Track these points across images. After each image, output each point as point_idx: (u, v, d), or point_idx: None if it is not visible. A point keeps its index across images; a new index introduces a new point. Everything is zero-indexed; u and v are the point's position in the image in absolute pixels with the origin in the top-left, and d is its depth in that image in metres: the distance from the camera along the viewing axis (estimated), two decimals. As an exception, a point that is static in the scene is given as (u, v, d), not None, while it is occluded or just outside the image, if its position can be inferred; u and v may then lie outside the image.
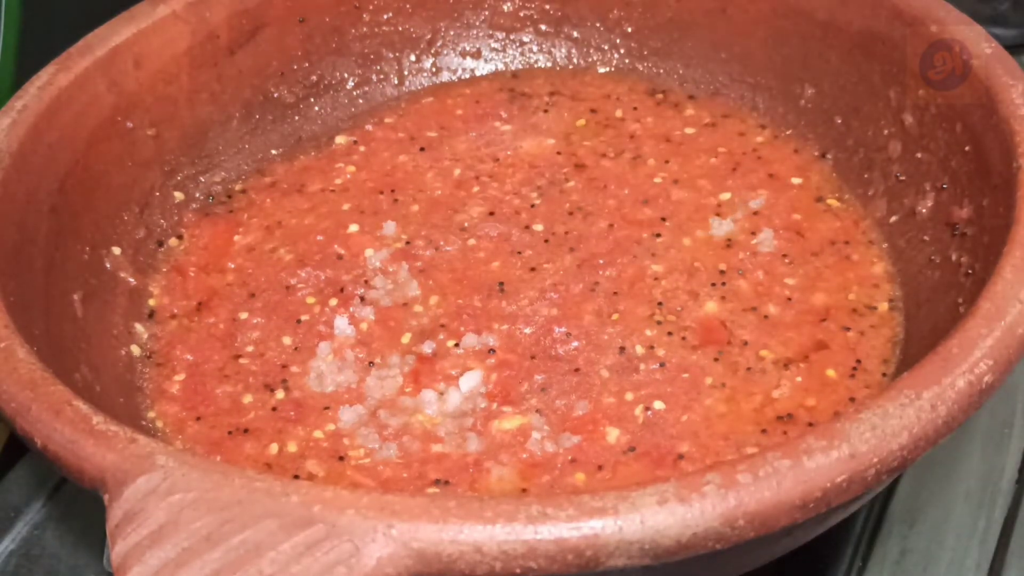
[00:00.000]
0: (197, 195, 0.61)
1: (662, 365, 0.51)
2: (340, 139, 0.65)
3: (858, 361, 0.51)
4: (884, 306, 0.54)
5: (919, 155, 0.55)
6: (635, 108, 0.66)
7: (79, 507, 0.60)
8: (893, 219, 0.56)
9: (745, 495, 0.35)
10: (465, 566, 0.34)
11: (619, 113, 0.66)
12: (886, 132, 0.57)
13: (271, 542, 0.34)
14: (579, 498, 0.35)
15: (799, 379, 0.51)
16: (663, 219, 0.59)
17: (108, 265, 0.55)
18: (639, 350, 0.52)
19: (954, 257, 0.51)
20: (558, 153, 0.63)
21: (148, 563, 0.34)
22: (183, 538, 0.35)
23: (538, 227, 0.59)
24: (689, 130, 0.64)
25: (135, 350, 0.54)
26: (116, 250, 0.56)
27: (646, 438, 0.48)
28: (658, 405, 0.50)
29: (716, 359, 0.52)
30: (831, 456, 0.36)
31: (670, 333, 0.53)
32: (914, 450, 0.38)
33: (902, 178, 0.56)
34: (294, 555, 0.34)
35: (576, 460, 0.48)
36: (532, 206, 0.60)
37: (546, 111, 0.66)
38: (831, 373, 0.51)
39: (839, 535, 0.56)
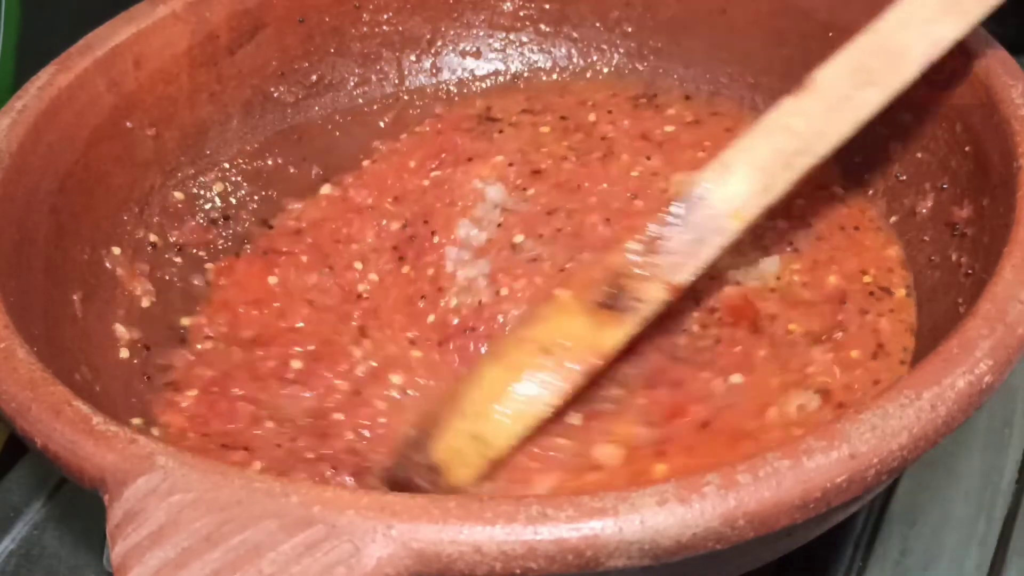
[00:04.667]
0: (198, 197, 0.61)
1: (718, 342, 0.51)
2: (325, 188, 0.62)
3: (880, 345, 0.51)
4: (901, 292, 0.53)
5: (919, 155, 0.55)
6: (610, 111, 0.65)
7: (79, 507, 0.60)
8: (893, 219, 0.56)
9: (745, 495, 0.35)
10: (465, 566, 0.34)
11: (592, 117, 0.64)
12: (885, 132, 0.57)
13: (271, 542, 0.34)
14: (578, 499, 0.35)
15: (829, 355, 0.50)
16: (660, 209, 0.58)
17: (108, 265, 0.55)
18: (694, 329, 0.51)
19: (954, 257, 0.51)
20: (509, 165, 0.61)
21: (148, 563, 0.34)
22: (183, 538, 0.35)
23: (518, 238, 0.56)
24: (669, 128, 0.63)
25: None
26: (116, 250, 0.56)
27: (724, 413, 0.48)
28: (735, 379, 0.49)
29: (755, 332, 0.51)
30: (831, 456, 0.36)
31: (711, 311, 0.52)
32: (914, 450, 0.38)
33: (902, 178, 0.56)
34: (294, 555, 0.34)
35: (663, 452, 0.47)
36: (499, 225, 0.57)
37: (501, 131, 0.64)
38: (854, 354, 0.50)
39: (839, 535, 0.56)
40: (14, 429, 0.41)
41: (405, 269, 0.57)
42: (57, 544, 0.59)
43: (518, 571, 0.34)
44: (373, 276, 0.57)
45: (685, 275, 0.48)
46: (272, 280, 0.57)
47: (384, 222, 0.59)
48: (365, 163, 0.63)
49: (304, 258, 0.58)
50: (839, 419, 0.38)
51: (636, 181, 0.59)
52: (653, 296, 0.47)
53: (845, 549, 0.56)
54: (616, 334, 0.47)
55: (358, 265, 0.58)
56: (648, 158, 0.61)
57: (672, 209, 0.48)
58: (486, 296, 0.54)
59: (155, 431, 0.50)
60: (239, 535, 0.34)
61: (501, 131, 0.64)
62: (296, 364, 0.52)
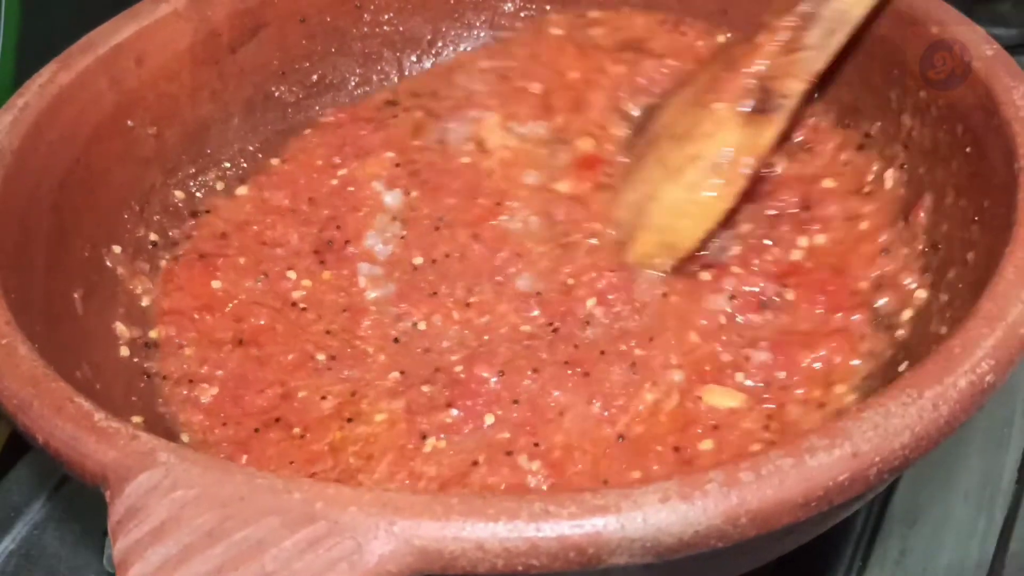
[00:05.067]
0: (197, 195, 0.61)
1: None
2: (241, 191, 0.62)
3: None
4: None
5: (920, 156, 0.55)
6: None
7: (79, 507, 0.60)
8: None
9: (748, 493, 0.35)
10: (467, 563, 0.34)
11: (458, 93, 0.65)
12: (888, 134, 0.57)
13: (273, 539, 0.34)
14: (581, 496, 0.35)
15: None
16: (498, 204, 0.58)
17: (108, 263, 0.55)
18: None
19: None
20: (396, 166, 0.61)
21: (150, 560, 0.34)
22: (185, 534, 0.35)
23: (418, 260, 0.57)
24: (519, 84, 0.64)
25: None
26: (116, 248, 0.56)
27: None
28: None
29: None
30: (833, 455, 0.36)
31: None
32: (916, 449, 0.38)
33: (904, 180, 0.56)
34: (296, 552, 0.34)
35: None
36: (402, 238, 0.58)
37: (396, 116, 0.64)
38: None
39: (839, 535, 0.56)
40: (16, 426, 0.41)
41: (326, 275, 0.57)
42: (57, 544, 0.58)
43: (520, 568, 0.34)
44: (306, 282, 0.57)
45: (820, 64, 0.53)
46: (216, 284, 0.57)
47: (303, 226, 0.59)
48: (274, 161, 0.63)
49: (241, 260, 0.58)
50: (841, 418, 0.38)
51: (475, 173, 0.60)
52: (796, 90, 0.53)
53: (845, 549, 0.56)
54: (770, 133, 0.53)
55: (291, 275, 0.57)
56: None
57: (802, 8, 0.52)
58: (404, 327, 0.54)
59: (183, 435, 0.51)
60: (241, 531, 0.34)
61: (396, 116, 0.64)
62: (320, 356, 0.53)
